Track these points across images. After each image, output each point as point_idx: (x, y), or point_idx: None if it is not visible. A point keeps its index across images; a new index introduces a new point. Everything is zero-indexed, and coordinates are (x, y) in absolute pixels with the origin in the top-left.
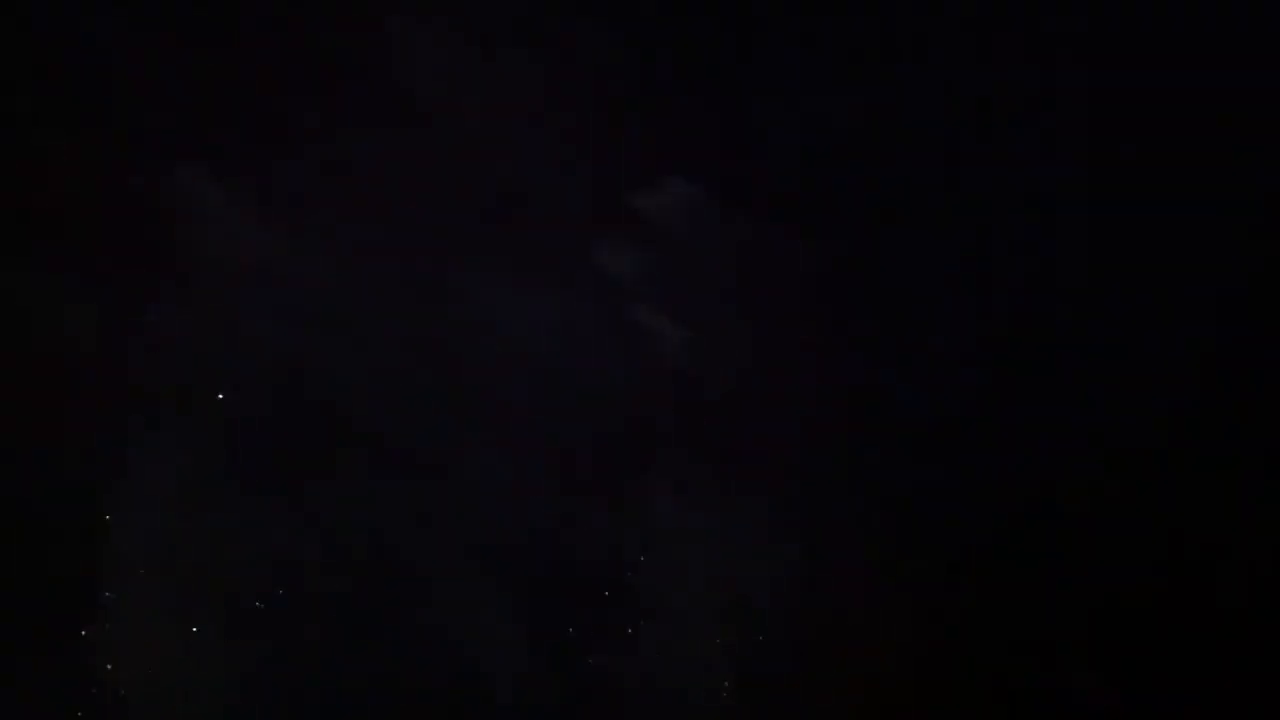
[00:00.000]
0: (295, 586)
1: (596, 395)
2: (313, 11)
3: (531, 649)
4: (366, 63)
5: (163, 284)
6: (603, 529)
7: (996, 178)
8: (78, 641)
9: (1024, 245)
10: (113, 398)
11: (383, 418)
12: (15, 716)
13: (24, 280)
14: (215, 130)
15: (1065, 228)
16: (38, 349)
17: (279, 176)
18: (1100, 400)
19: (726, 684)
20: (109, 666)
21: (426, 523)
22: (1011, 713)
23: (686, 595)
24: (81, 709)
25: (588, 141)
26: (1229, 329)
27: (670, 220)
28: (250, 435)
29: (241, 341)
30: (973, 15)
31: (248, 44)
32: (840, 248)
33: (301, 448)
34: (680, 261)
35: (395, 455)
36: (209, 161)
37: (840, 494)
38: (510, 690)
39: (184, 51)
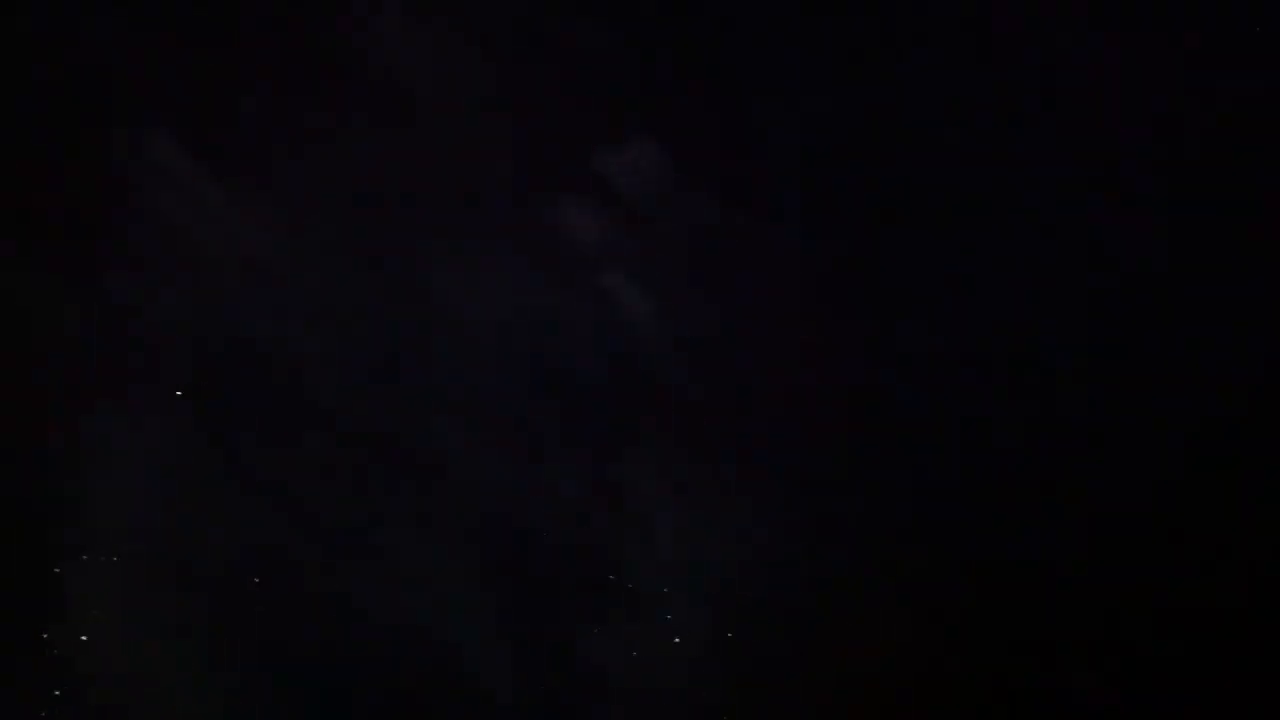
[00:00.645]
0: (267, 578)
1: (585, 386)
2: None
3: (517, 642)
4: (334, 43)
5: (130, 265)
6: (593, 525)
7: (996, 178)
8: (39, 643)
9: (1024, 245)
10: (75, 383)
11: (370, 411)
12: None
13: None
14: (185, 105)
15: (1065, 228)
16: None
17: (240, 145)
18: (1100, 400)
19: (722, 683)
20: (73, 665)
21: (404, 511)
22: (1011, 713)
23: (683, 593)
24: (45, 710)
25: (585, 140)
26: (1232, 329)
27: (668, 218)
28: (220, 422)
29: (211, 325)
30: (973, 15)
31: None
32: (840, 248)
33: (276, 437)
34: (678, 261)
35: (370, 442)
36: (178, 133)
37: (838, 493)
38: (493, 682)
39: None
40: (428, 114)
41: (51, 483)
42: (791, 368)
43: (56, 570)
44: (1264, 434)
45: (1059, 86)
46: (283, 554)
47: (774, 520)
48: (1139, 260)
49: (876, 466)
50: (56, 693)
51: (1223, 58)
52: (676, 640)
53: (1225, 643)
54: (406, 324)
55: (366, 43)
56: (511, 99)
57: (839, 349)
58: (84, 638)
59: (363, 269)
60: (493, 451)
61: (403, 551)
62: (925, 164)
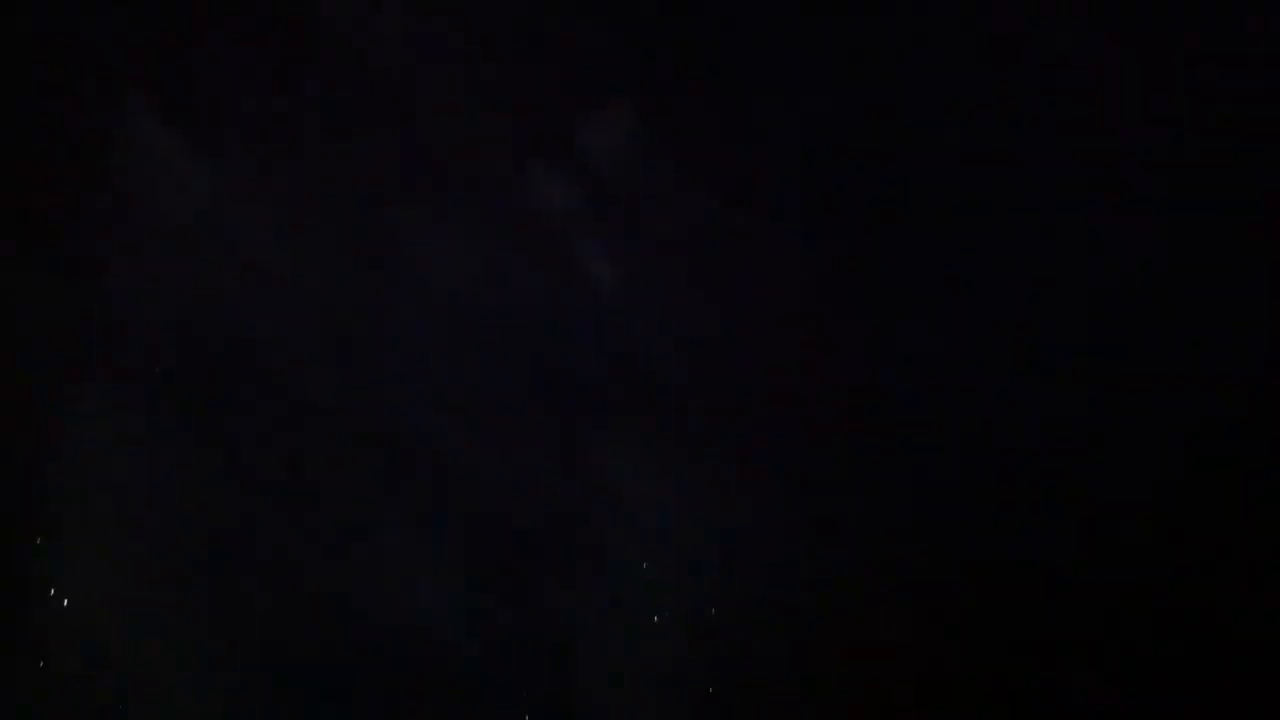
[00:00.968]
0: (265, 577)
1: (585, 385)
2: None
3: (517, 641)
4: (334, 42)
5: (128, 263)
6: (592, 524)
7: (996, 178)
8: (37, 642)
9: (1024, 245)
10: (72, 381)
11: (370, 410)
12: None
13: None
14: (184, 103)
15: (1065, 228)
16: None
17: (239, 144)
18: (1100, 400)
19: (721, 683)
20: (69, 664)
21: (404, 510)
22: (1011, 713)
23: (682, 593)
24: (26, 699)
25: (584, 140)
26: (1232, 329)
27: (668, 218)
28: (218, 421)
29: (209, 323)
30: (973, 15)
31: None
32: (840, 248)
33: (275, 436)
34: (677, 261)
35: (369, 441)
36: (178, 132)
37: (838, 493)
38: (493, 681)
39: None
40: (428, 113)
41: (50, 481)
42: (791, 368)
43: (53, 570)
44: (1264, 434)
45: (1059, 86)
46: (283, 553)
47: (774, 520)
48: (1139, 260)
49: (876, 466)
50: (48, 689)
51: (1223, 58)
52: (676, 640)
53: (1225, 643)
54: (407, 323)
55: (367, 43)
56: (511, 98)
57: (839, 349)
58: (81, 637)
59: (362, 268)
60: (492, 450)
61: (402, 550)
62: (925, 164)
